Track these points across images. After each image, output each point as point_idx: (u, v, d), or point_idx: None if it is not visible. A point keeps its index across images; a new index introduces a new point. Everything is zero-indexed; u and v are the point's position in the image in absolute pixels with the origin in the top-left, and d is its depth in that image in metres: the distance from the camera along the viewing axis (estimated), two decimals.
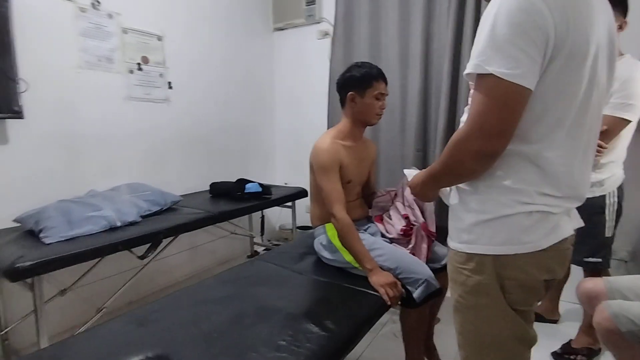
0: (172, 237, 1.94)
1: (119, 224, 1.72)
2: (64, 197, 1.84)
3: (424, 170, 0.91)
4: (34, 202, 1.77)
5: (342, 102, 1.58)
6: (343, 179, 1.52)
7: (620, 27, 1.46)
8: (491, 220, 0.75)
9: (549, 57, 0.64)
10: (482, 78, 0.66)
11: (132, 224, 1.77)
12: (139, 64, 2.24)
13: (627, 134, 1.53)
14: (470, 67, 0.68)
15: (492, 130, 0.67)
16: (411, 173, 1.00)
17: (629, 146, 1.58)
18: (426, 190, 0.91)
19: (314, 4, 2.88)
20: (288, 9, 3.05)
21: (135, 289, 2.13)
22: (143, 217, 1.87)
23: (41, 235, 1.54)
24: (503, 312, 0.78)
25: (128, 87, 2.20)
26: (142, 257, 1.79)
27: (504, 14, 0.63)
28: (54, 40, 1.87)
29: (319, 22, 2.91)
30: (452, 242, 0.84)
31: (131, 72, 2.21)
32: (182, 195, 2.25)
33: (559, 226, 0.75)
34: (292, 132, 3.21)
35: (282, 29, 3.14)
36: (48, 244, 1.49)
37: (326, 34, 2.88)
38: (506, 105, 0.66)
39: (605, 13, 0.73)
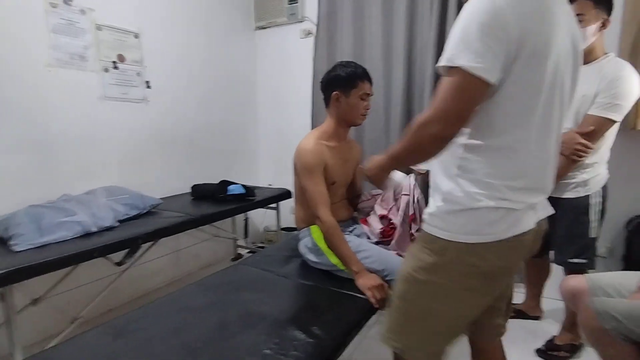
0: (151, 242, 1.87)
1: (94, 229, 1.64)
2: (35, 202, 1.74)
3: (383, 154, 0.98)
4: (3, 208, 1.67)
5: (327, 102, 1.55)
6: (327, 180, 1.50)
7: (604, 26, 1.45)
8: (461, 211, 0.82)
9: (512, 55, 0.71)
10: (451, 70, 0.73)
11: (108, 229, 1.70)
12: (114, 62, 2.16)
13: (611, 134, 1.53)
14: (442, 61, 0.75)
15: (451, 117, 0.74)
16: (397, 174, 0.99)
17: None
18: (382, 174, 1.01)
19: (296, 3, 2.84)
20: (270, 7, 3.00)
21: (112, 296, 2.04)
22: (120, 221, 1.80)
23: (10, 242, 1.46)
24: (450, 292, 0.87)
25: (103, 86, 2.11)
26: (119, 264, 1.72)
27: (474, 15, 0.70)
28: (23, 37, 1.77)
29: (301, 21, 2.88)
30: (425, 224, 0.92)
31: (106, 70, 2.12)
32: (162, 198, 2.18)
33: (521, 220, 0.82)
34: (275, 132, 3.17)
35: (264, 28, 3.09)
36: (18, 252, 1.42)
37: (309, 33, 2.85)
38: (467, 96, 0.73)
39: (568, 22, 0.80)
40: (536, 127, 0.78)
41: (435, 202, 0.88)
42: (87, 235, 1.62)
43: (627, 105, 1.44)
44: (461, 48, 0.71)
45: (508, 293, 1.06)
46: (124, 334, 1.08)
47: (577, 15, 1.41)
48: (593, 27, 1.43)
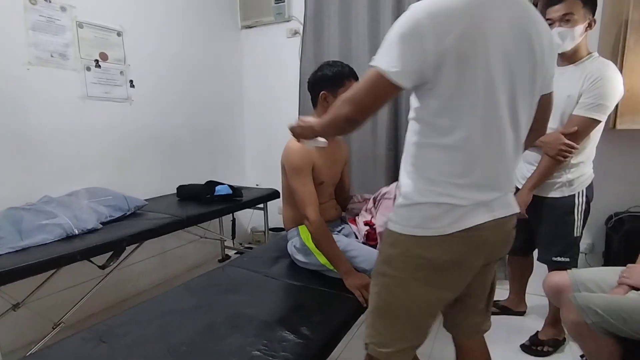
0: (136, 244, 1.84)
1: (76, 231, 1.60)
2: (15, 204, 1.69)
3: (313, 119, 1.09)
4: None
5: (314, 102, 1.55)
6: (315, 181, 1.50)
7: (590, 26, 1.46)
8: (410, 205, 0.88)
9: (432, 63, 0.77)
10: (371, 69, 0.82)
11: (91, 231, 1.66)
12: (96, 60, 2.11)
13: (596, 133, 1.54)
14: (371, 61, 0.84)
15: (361, 107, 0.86)
16: (319, 141, 1.12)
17: None
18: (307, 134, 1.10)
19: (282, 2, 2.82)
20: (256, 6, 2.98)
21: (96, 300, 2.00)
22: (104, 223, 1.76)
23: None
24: (404, 283, 0.92)
25: (85, 85, 2.06)
26: (103, 267, 1.68)
27: (398, 26, 0.78)
28: (1, 34, 1.71)
29: (288, 21, 2.86)
30: (388, 220, 0.97)
31: (88, 69, 2.07)
32: (147, 200, 2.14)
33: (467, 216, 0.84)
34: (262, 132, 3.15)
35: (251, 27, 3.07)
36: None
37: (296, 32, 2.84)
38: (377, 93, 0.83)
39: (520, 25, 0.81)
40: (480, 126, 0.81)
41: (397, 199, 0.94)
42: (69, 238, 1.58)
43: (611, 105, 1.46)
44: (383, 53, 0.80)
45: (480, 291, 1.04)
46: (108, 339, 1.06)
47: (566, 14, 1.42)
48: (581, 27, 1.44)
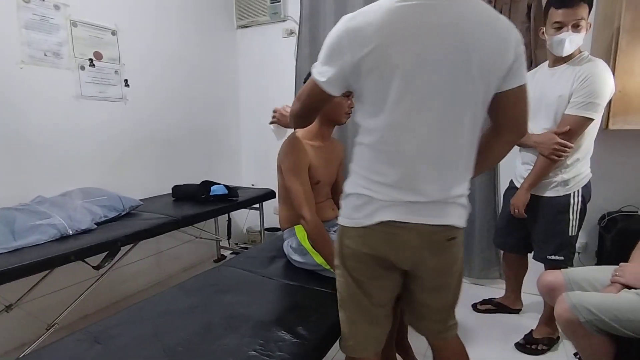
0: (131, 245, 1.82)
1: (70, 232, 1.59)
2: (7, 205, 1.68)
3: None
4: None
5: None
6: (312, 180, 1.49)
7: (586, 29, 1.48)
8: (344, 197, 0.98)
9: (349, 72, 0.86)
10: (311, 75, 0.94)
11: (85, 231, 1.65)
12: (91, 59, 2.10)
13: (591, 131, 1.56)
14: None
15: (304, 105, 1.00)
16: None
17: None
18: (283, 121, 1.34)
19: (278, 2, 2.82)
20: (252, 6, 2.97)
21: (90, 301, 1.98)
22: (98, 224, 1.75)
23: None
24: (343, 274, 1.00)
25: (79, 84, 2.05)
26: (97, 268, 1.67)
27: (327, 37, 0.90)
28: None
29: (284, 20, 2.86)
30: None
31: (82, 68, 2.06)
32: (142, 200, 2.14)
33: (382, 210, 0.89)
34: (258, 131, 3.14)
35: (246, 27, 3.06)
36: None
37: (292, 32, 2.84)
38: (311, 97, 0.97)
39: (449, 34, 0.82)
40: (392, 131, 0.87)
41: None
42: (63, 238, 1.57)
43: (602, 102, 1.48)
44: (317, 62, 0.92)
45: (430, 302, 1.03)
46: (102, 340, 1.05)
47: (579, 20, 1.43)
48: (584, 32, 1.48)
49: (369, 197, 0.90)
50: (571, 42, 1.47)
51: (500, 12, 2.05)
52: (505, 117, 0.94)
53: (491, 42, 0.83)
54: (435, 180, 0.89)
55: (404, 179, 0.88)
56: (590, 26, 1.50)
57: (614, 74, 1.67)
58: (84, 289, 1.72)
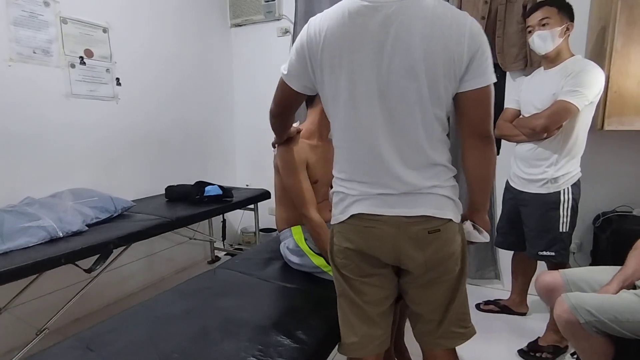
0: (124, 247, 1.78)
1: (61, 234, 1.55)
2: None
3: None
4: None
5: (308, 100, 1.53)
6: (310, 179, 1.47)
7: (568, 30, 1.58)
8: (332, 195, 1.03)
9: (311, 71, 0.95)
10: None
11: (76, 234, 1.61)
12: (81, 57, 2.05)
13: (582, 129, 1.60)
14: None
15: (275, 102, 1.09)
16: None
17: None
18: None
19: (273, 1, 2.80)
20: (246, 5, 2.94)
21: (82, 305, 1.94)
22: (89, 225, 1.71)
23: None
24: (334, 271, 1.04)
25: (69, 82, 2.00)
26: (89, 271, 1.62)
27: (297, 37, 0.97)
28: None
29: (279, 19, 2.84)
30: None
31: (73, 66, 2.01)
32: (134, 201, 2.09)
33: (355, 204, 0.94)
34: (253, 131, 3.11)
35: (240, 25, 3.03)
36: None
37: (286, 31, 2.81)
38: (281, 93, 1.05)
39: (390, 37, 0.85)
40: (342, 130, 0.94)
41: None
42: (53, 241, 1.53)
43: (587, 92, 1.51)
44: (288, 60, 0.99)
45: (422, 301, 1.01)
46: (95, 347, 1.02)
47: (542, 19, 1.57)
48: (558, 29, 1.56)
49: (344, 194, 0.96)
50: (540, 37, 1.59)
51: (496, 13, 2.08)
52: (462, 118, 0.93)
53: (437, 42, 0.84)
54: (399, 175, 0.90)
55: (367, 174, 0.93)
56: (571, 27, 1.59)
57: (608, 75, 1.70)
58: (75, 292, 1.68)
